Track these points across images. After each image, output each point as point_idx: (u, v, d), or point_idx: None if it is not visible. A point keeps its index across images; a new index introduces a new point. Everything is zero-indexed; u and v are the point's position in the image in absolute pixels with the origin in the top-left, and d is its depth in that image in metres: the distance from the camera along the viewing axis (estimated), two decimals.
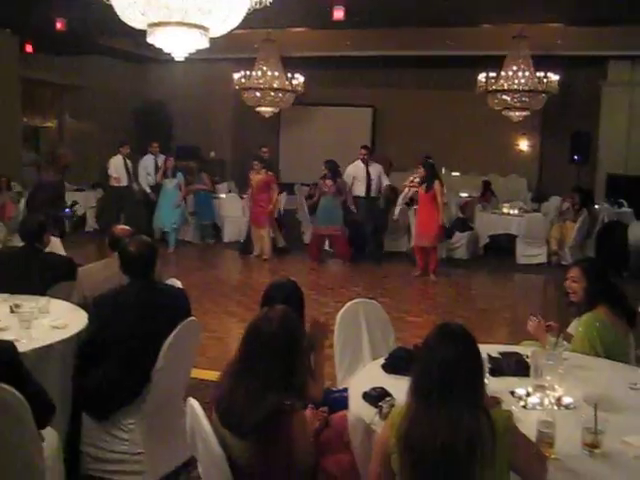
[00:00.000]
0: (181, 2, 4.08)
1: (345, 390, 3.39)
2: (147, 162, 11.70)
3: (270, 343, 2.55)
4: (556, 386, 3.00)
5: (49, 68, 14.76)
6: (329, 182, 10.37)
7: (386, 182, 10.82)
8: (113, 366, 3.51)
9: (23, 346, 3.24)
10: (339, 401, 3.33)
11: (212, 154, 15.97)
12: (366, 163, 10.64)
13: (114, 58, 15.33)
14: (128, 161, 11.75)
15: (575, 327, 3.81)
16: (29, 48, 13.68)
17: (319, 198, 10.60)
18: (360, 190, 10.60)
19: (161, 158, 11.61)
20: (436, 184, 9.39)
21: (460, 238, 11.56)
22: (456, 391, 2.18)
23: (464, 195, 14.18)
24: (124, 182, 11.68)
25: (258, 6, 4.44)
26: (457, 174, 15.89)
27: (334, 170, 10.46)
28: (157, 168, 11.52)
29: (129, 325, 3.52)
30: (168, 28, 4.28)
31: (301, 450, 2.54)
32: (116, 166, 11.72)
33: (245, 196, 11.75)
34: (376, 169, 10.69)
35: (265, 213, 10.62)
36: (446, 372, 2.19)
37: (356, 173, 10.65)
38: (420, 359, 2.30)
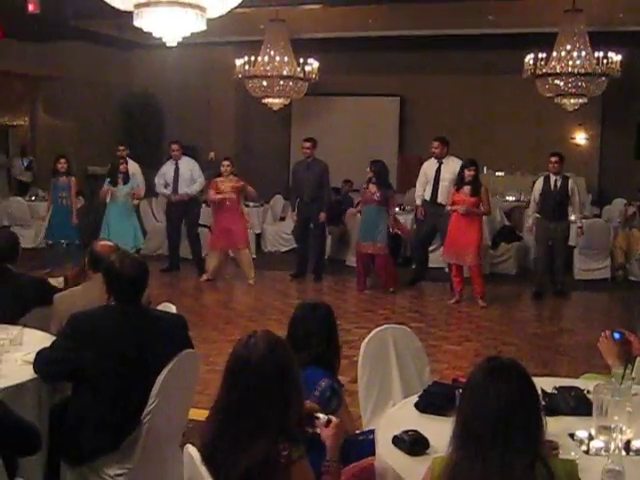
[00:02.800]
0: None
1: (371, 433, 3.39)
2: None
3: (257, 374, 2.52)
4: (624, 427, 2.96)
5: (20, 57, 14.90)
6: (373, 187, 9.94)
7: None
8: (92, 401, 3.53)
9: None
10: (364, 446, 3.32)
11: (212, 155, 16.01)
12: (439, 160, 10.31)
13: (95, 44, 15.44)
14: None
15: None
16: None
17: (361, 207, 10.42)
18: (427, 194, 10.39)
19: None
20: (483, 190, 9.36)
21: (506, 250, 11.52)
22: (511, 439, 2.15)
23: (510, 199, 14.13)
24: None
25: None
26: (501, 174, 15.86)
27: (382, 173, 9.99)
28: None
29: (116, 352, 3.53)
30: (158, 8, 4.31)
31: None
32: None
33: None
34: (452, 167, 10.15)
35: (242, 229, 10.49)
36: (499, 417, 2.16)
37: (428, 173, 10.39)
38: (465, 400, 2.28)
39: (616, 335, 3.80)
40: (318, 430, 2.77)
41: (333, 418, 2.84)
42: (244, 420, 2.50)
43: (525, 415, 2.18)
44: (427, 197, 10.37)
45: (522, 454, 2.14)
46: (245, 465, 2.45)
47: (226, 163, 10.53)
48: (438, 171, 10.25)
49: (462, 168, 9.47)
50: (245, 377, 2.53)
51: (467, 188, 9.33)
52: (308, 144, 10.87)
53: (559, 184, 9.82)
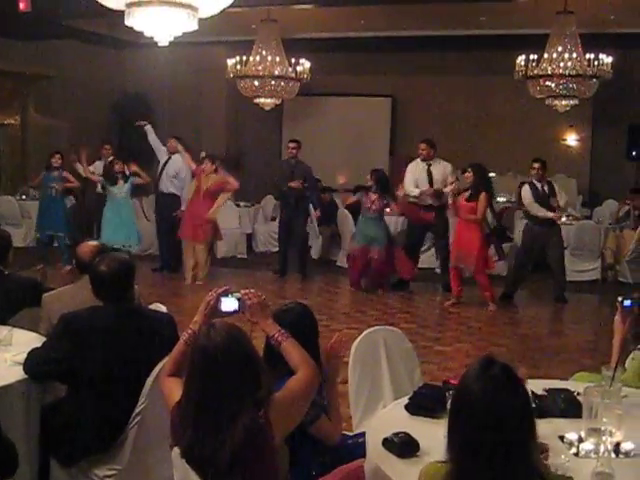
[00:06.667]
0: None
1: (362, 435, 3.38)
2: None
3: (225, 360, 2.57)
4: (614, 429, 2.97)
5: (11, 55, 14.85)
6: (373, 196, 9.99)
7: (448, 187, 9.93)
8: (85, 401, 3.54)
9: None
10: (355, 448, 3.32)
11: (202, 154, 15.92)
12: (428, 162, 10.21)
13: (87, 43, 15.39)
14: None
15: None
16: None
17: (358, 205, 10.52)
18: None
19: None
20: (482, 195, 9.17)
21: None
22: (510, 451, 2.07)
23: (501, 200, 14.14)
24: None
25: None
26: (492, 175, 15.83)
27: (382, 182, 10.05)
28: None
29: (107, 353, 3.54)
30: (150, 8, 4.30)
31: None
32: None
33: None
34: (440, 169, 10.12)
35: (206, 222, 10.37)
36: (499, 428, 2.07)
37: (417, 176, 10.18)
38: (458, 410, 2.17)
39: (626, 302, 3.57)
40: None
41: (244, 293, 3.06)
42: (221, 408, 2.53)
43: (523, 427, 2.11)
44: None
45: (520, 468, 2.08)
46: (230, 448, 2.49)
47: (207, 162, 10.65)
48: (430, 174, 10.14)
49: (463, 172, 9.48)
50: (214, 366, 2.57)
51: (467, 193, 9.29)
52: (294, 144, 11.10)
53: (547, 189, 9.75)
